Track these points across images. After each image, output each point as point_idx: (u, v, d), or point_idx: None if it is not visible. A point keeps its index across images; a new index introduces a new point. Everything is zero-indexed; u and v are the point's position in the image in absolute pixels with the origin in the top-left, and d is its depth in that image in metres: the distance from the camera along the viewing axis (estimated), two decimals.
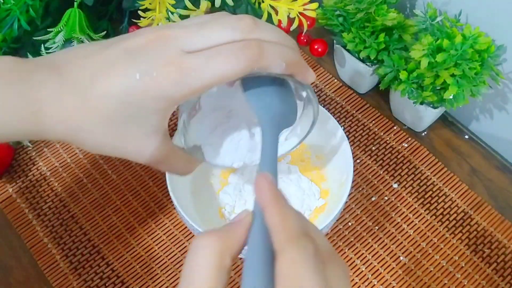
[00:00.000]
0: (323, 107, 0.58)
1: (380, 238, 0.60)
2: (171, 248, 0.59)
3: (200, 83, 0.31)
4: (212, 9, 0.60)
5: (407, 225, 0.60)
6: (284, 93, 0.40)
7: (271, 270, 0.27)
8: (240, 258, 0.29)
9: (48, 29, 0.63)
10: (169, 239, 0.59)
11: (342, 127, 0.58)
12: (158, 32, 0.32)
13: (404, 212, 0.61)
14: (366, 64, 0.65)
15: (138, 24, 0.63)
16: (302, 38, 0.66)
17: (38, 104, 0.32)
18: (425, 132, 0.68)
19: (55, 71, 0.32)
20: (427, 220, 0.61)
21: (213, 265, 0.28)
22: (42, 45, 0.63)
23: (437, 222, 0.61)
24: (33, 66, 0.33)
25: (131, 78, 0.31)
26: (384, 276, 0.57)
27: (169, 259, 0.58)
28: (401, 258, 0.58)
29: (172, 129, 0.66)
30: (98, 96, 0.31)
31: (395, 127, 0.68)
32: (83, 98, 0.32)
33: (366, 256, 0.58)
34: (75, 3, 0.63)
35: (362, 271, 0.57)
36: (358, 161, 0.65)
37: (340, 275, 0.28)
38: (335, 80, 0.72)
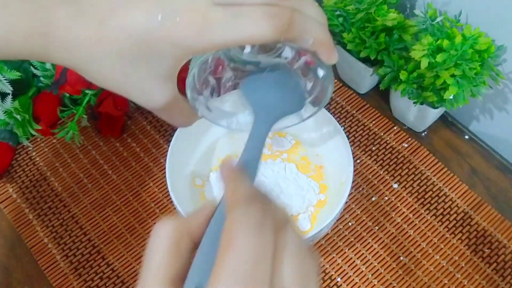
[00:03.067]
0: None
1: (380, 238, 0.60)
2: None
3: (222, 39, 0.30)
4: None
5: (407, 225, 0.60)
6: (284, 78, 0.37)
7: None
8: None
9: None
10: None
11: (342, 127, 0.58)
12: None
13: (404, 212, 0.61)
14: (366, 64, 0.65)
15: None
16: None
17: (48, 26, 0.30)
18: (425, 132, 0.68)
19: None
20: (427, 220, 0.61)
21: (169, 248, 0.27)
22: None
23: (437, 222, 0.61)
24: None
25: (152, 18, 0.29)
26: (384, 276, 0.57)
27: None
28: (401, 258, 0.58)
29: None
30: (114, 28, 0.30)
31: (395, 127, 0.68)
32: (97, 27, 0.30)
33: (366, 256, 0.58)
34: None
35: (362, 271, 0.57)
36: (358, 161, 0.65)
37: (292, 242, 0.27)
38: (335, 80, 0.72)
